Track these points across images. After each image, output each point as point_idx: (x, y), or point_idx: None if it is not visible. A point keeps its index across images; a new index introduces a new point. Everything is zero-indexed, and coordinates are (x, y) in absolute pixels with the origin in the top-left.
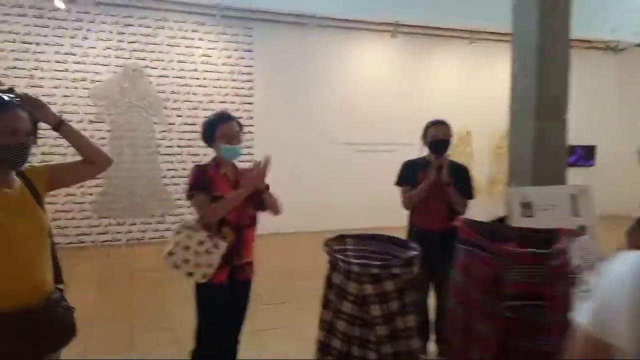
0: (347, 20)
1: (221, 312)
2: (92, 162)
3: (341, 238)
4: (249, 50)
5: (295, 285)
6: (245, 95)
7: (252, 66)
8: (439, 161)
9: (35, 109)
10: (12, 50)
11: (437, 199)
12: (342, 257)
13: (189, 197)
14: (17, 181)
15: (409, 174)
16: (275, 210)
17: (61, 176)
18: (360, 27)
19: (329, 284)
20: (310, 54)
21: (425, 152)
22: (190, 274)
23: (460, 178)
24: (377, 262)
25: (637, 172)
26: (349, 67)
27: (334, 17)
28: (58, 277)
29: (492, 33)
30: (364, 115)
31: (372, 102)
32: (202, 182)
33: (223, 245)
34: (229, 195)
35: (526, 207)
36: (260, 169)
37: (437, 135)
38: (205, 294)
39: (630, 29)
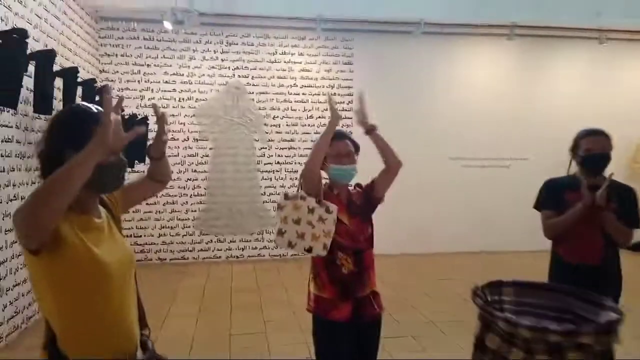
0: (456, 25)
1: (345, 356)
2: (162, 182)
3: (496, 285)
4: (349, 63)
5: (406, 316)
6: (345, 110)
7: (352, 79)
8: (594, 181)
9: (158, 137)
10: (125, 73)
11: (590, 226)
12: (501, 313)
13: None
14: (101, 208)
15: (553, 195)
16: (393, 161)
17: (132, 196)
18: (471, 31)
19: (481, 347)
20: (414, 64)
21: (574, 168)
22: (309, 250)
23: (624, 201)
24: (556, 323)
25: None
26: (459, 76)
27: (441, 22)
28: (142, 320)
29: (624, 31)
30: (474, 128)
31: (485, 113)
32: None
33: (334, 209)
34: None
35: None
36: (361, 107)
37: (593, 149)
38: (327, 333)
39: None
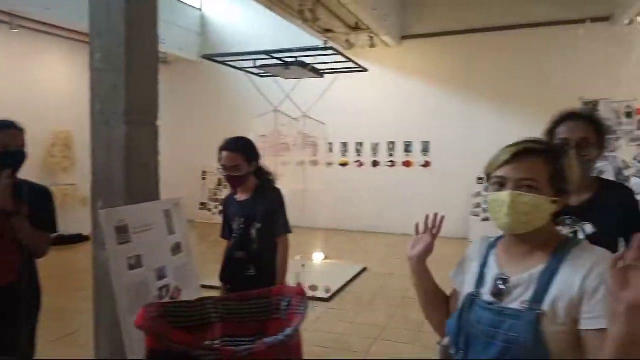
0: None
1: None
2: None
3: None
4: None
5: None
6: None
7: None
8: (4, 181)
9: None
10: None
11: (3, 239)
12: None
13: None
14: None
15: None
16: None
17: None
18: None
19: None
20: None
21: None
22: None
23: (40, 204)
24: None
25: None
26: None
27: None
28: None
29: (38, 22)
30: None
31: None
32: None
33: None
34: None
35: (121, 231)
36: None
37: (9, 145)
38: None
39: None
